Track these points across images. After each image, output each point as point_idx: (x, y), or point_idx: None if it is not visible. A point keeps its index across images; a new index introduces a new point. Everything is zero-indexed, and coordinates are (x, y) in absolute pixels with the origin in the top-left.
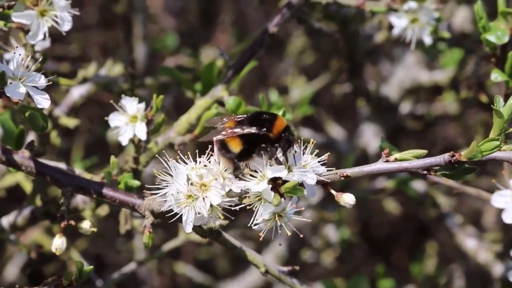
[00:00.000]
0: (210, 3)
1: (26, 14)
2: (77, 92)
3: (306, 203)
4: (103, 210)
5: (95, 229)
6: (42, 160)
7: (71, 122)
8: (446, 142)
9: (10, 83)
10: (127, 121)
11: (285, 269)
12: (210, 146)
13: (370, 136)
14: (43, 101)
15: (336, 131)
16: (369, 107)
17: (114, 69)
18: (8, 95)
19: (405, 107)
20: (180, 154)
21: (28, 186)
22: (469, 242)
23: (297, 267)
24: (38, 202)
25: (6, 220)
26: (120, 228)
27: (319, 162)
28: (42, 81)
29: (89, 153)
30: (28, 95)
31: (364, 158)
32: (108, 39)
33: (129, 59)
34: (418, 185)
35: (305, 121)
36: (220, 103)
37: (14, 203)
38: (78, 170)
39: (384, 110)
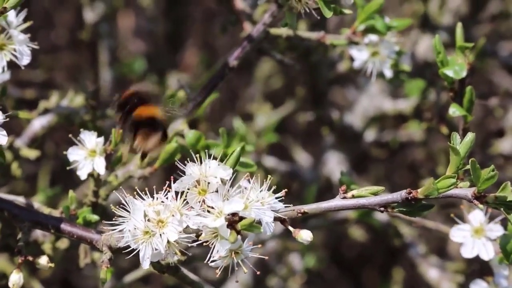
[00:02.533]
0: (178, 26)
1: None
2: (38, 123)
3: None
4: (63, 243)
5: (52, 265)
6: (1, 193)
7: (31, 154)
8: (412, 168)
9: None
10: (86, 155)
11: None
12: (167, 182)
13: (334, 164)
14: (0, 138)
15: (302, 158)
16: (333, 135)
17: (75, 100)
18: None
19: (370, 135)
20: (138, 190)
21: None
22: (432, 272)
23: None
24: None
25: None
26: (80, 262)
27: (276, 198)
28: (0, 117)
29: (55, 179)
30: None
31: (328, 186)
32: (77, 61)
33: (91, 90)
34: (381, 215)
35: (270, 148)
36: (181, 136)
37: None
38: (37, 204)
39: (348, 138)
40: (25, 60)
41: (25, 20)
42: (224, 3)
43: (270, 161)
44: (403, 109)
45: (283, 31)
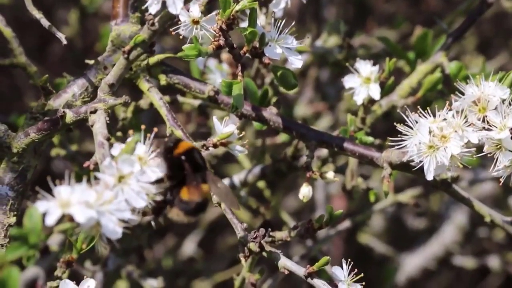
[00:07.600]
0: None
1: None
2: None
3: None
4: (329, 168)
5: (337, 179)
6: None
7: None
8: None
9: (269, 45)
10: (361, 83)
11: (509, 219)
12: (447, 102)
13: None
14: (296, 61)
15: None
16: None
17: (329, 40)
18: (266, 55)
19: None
20: (420, 109)
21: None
22: None
23: None
24: (268, 160)
25: (237, 178)
26: (346, 184)
27: None
28: (294, 43)
29: None
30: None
31: None
32: None
33: (345, 30)
34: None
35: None
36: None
37: None
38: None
39: None
40: None
41: None
42: None
43: None
44: None
45: None
